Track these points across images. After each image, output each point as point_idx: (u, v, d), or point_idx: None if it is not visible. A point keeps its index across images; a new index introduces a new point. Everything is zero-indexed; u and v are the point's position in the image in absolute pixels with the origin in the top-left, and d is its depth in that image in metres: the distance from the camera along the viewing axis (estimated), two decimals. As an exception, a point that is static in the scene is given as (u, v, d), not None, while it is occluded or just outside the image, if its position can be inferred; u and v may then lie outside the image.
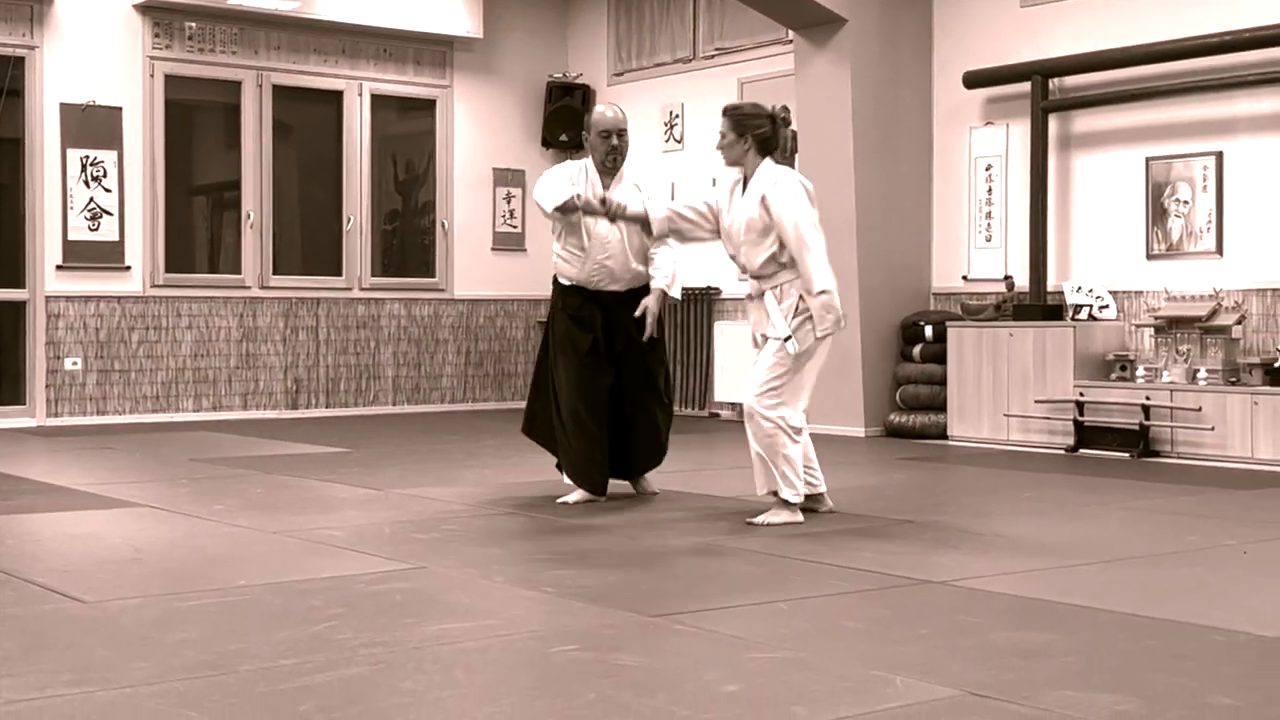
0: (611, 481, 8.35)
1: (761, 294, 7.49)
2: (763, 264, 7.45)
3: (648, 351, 8.24)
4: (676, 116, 15.15)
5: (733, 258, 7.67)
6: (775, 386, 7.35)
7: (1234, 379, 10.52)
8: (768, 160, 7.54)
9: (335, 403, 15.06)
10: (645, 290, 8.15)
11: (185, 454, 10.91)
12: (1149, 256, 11.46)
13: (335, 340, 15.05)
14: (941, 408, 12.21)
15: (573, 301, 8.28)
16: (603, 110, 8.37)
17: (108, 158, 13.77)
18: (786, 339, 7.32)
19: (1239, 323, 10.61)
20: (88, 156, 13.67)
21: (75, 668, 4.38)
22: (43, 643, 4.73)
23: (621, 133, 8.23)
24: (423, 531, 7.17)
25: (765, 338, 7.48)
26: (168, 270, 14.16)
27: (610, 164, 8.22)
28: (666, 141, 15.33)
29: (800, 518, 7.41)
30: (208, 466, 10.11)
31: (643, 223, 7.85)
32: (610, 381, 8.27)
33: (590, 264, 8.20)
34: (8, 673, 4.31)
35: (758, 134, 7.53)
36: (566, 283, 8.33)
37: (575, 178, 8.19)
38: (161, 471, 9.84)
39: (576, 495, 8.20)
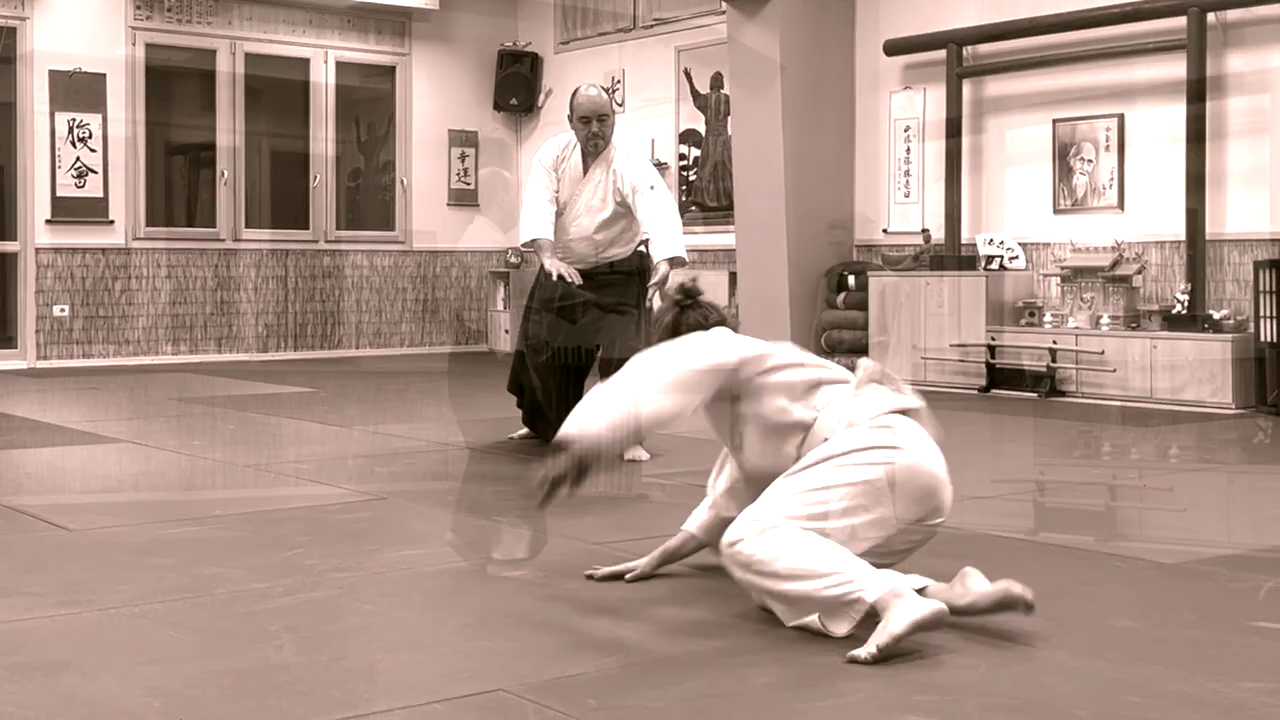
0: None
1: None
2: None
3: (612, 323, 7.57)
4: (618, 82, 15.06)
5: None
6: None
7: (1134, 324, 10.55)
8: None
9: (302, 346, 14.98)
10: (612, 267, 7.69)
11: (164, 394, 10.84)
12: (1056, 211, 11.47)
13: (303, 289, 14.96)
14: (863, 351, 12.20)
15: (546, 270, 7.71)
16: (583, 92, 7.67)
17: (93, 120, 13.64)
18: None
19: (1139, 272, 10.64)
20: (74, 119, 13.54)
21: (62, 590, 4.36)
22: (32, 567, 4.71)
23: (603, 117, 7.54)
24: (383, 465, 7.15)
25: None
26: (148, 224, 14.04)
27: (592, 149, 7.63)
28: (610, 105, 15.25)
29: None
30: (185, 405, 10.04)
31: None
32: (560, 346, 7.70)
33: (559, 244, 7.69)
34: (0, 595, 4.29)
35: None
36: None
37: (560, 160, 7.69)
38: (142, 410, 9.78)
39: (525, 430, 8.13)
